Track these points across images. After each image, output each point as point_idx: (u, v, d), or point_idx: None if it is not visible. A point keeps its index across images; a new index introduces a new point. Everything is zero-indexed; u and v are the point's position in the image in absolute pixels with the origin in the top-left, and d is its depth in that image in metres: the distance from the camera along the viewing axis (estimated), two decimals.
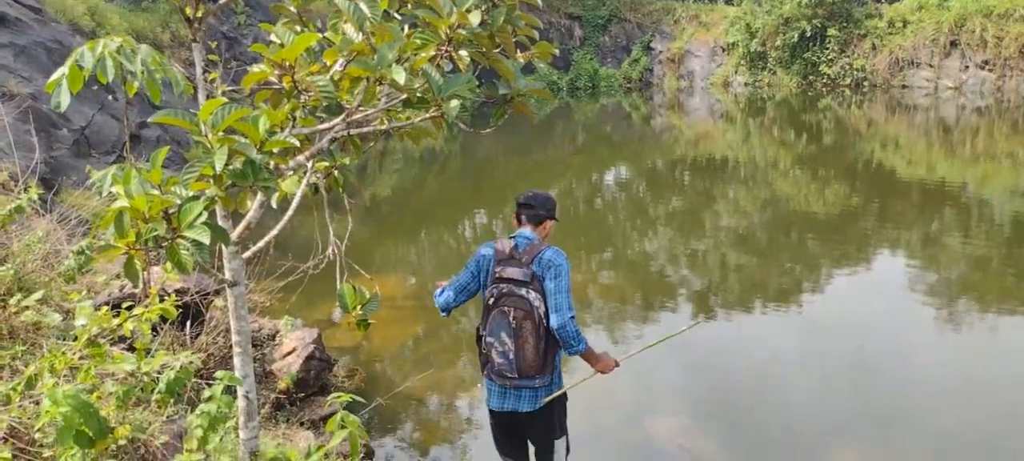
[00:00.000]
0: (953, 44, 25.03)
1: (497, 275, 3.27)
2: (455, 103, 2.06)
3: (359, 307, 2.70)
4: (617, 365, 3.40)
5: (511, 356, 3.20)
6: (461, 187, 16.76)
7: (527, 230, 3.39)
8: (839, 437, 5.22)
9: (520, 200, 3.46)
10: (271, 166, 2.25)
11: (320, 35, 1.99)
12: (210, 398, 2.36)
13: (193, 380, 3.50)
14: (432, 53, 2.10)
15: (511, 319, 3.18)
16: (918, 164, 16.32)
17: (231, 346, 2.66)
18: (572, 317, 3.17)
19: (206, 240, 1.88)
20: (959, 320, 7.51)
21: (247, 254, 2.47)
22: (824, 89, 27.79)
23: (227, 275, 2.41)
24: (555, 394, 3.34)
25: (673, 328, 3.78)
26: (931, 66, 25.61)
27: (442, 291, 3.53)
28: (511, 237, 3.39)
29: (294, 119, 2.20)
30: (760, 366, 6.50)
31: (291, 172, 2.63)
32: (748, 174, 16.34)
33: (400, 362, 6.60)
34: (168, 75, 2.85)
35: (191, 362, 2.65)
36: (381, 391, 5.67)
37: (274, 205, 2.99)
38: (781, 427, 5.47)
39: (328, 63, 2.01)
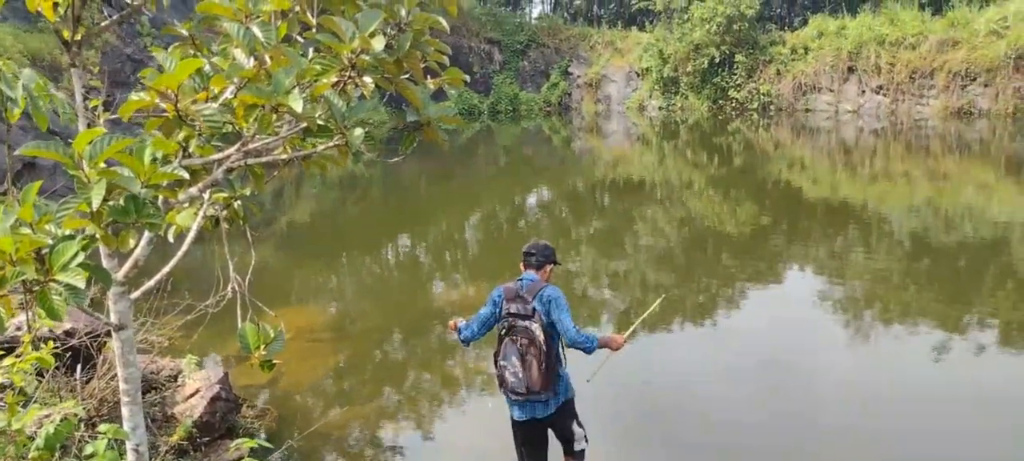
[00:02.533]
0: (851, 70, 26.49)
1: (505, 311, 4.01)
2: (359, 131, 1.95)
3: (262, 347, 2.54)
4: (624, 342, 4.18)
5: (520, 376, 3.91)
6: (382, 212, 16.49)
7: (530, 273, 4.16)
8: (752, 445, 5.40)
9: (525, 250, 4.23)
10: (159, 200, 2.09)
11: (205, 61, 1.85)
12: (92, 455, 2.15)
13: (83, 430, 3.23)
14: (334, 79, 1.99)
15: (519, 346, 3.91)
16: (822, 184, 17.08)
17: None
18: (577, 331, 3.91)
19: (81, 284, 1.71)
20: (864, 331, 7.87)
21: (135, 295, 2.28)
22: (733, 113, 28.87)
23: (113, 318, 2.22)
24: (562, 401, 4.11)
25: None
26: (831, 90, 27.01)
27: (466, 327, 4.20)
28: (518, 280, 4.13)
29: (186, 149, 2.05)
30: (677, 379, 6.59)
31: (185, 205, 2.46)
32: (664, 195, 16.73)
33: (316, 398, 6.33)
34: (55, 102, 2.64)
35: (75, 413, 2.42)
36: (295, 431, 5.42)
37: (171, 239, 2.79)
38: (698, 437, 5.57)
39: (216, 90, 1.87)
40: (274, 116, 1.90)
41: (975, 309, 8.36)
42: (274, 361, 2.62)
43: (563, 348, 4.07)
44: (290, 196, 17.43)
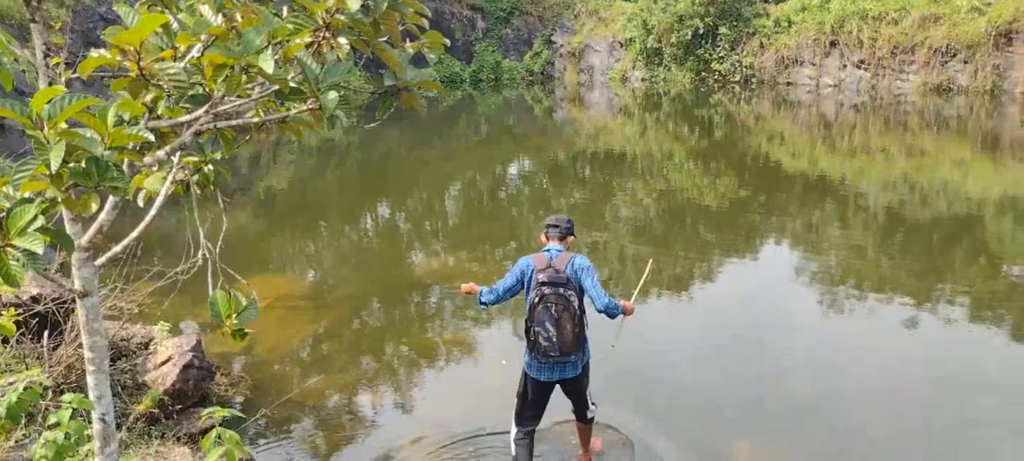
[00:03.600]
0: (833, 44, 26.50)
1: (539, 280, 4.18)
2: (333, 95, 1.88)
3: (234, 316, 2.48)
4: (633, 308, 4.45)
5: (554, 340, 4.11)
6: (361, 179, 16.33)
7: (555, 244, 4.39)
8: (727, 409, 5.62)
9: (548, 222, 4.47)
10: (124, 164, 2.01)
11: (170, 17, 1.76)
12: (57, 424, 2.09)
13: (50, 398, 3.16)
14: (307, 40, 1.91)
15: (553, 312, 4.10)
16: (801, 158, 17.16)
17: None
18: (608, 298, 4.21)
19: (39, 249, 1.63)
20: (838, 303, 8.00)
21: (101, 261, 2.20)
22: (715, 85, 28.84)
23: (77, 285, 2.14)
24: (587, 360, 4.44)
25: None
26: (813, 64, 27.04)
27: (489, 292, 4.42)
28: (545, 251, 4.35)
29: (152, 110, 1.96)
30: (654, 348, 6.64)
31: (154, 168, 2.38)
32: (645, 167, 16.71)
33: (293, 366, 6.27)
34: (21, 62, 2.52)
35: (40, 381, 2.35)
36: (270, 399, 5.37)
37: (141, 203, 2.71)
38: (678, 402, 5.70)
39: (181, 49, 1.79)
40: (244, 78, 1.82)
41: (946, 282, 8.52)
42: (247, 330, 2.57)
43: (585, 314, 4.30)
44: (268, 161, 17.20)
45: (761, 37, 28.12)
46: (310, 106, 1.99)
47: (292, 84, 1.93)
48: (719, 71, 28.84)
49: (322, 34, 1.93)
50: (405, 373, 6.36)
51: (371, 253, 10.68)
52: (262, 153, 17.55)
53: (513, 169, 17.69)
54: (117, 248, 2.21)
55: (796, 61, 27.45)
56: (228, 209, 2.85)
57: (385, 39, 2.17)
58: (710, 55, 29.07)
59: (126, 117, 2.10)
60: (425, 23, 2.36)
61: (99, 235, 2.12)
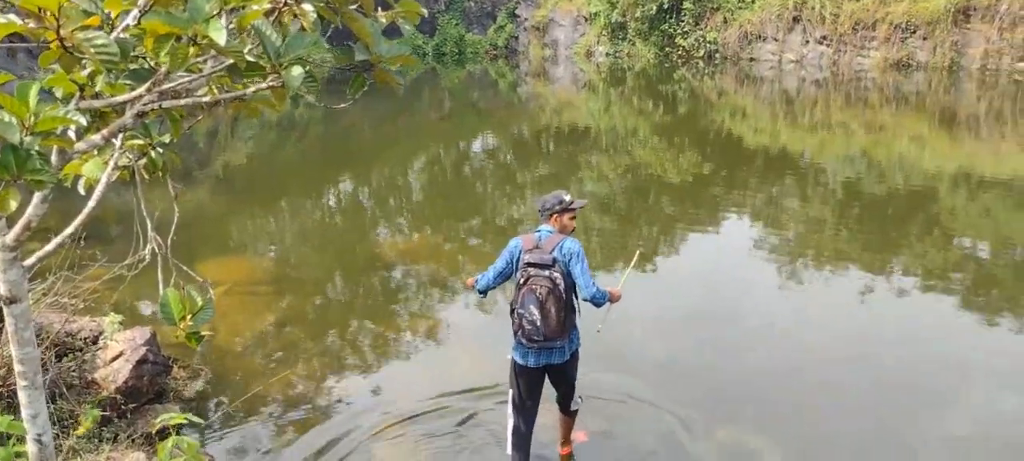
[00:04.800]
0: (796, 20, 26.59)
1: (525, 261, 4.08)
2: (298, 70, 1.63)
3: (188, 316, 2.23)
4: (620, 295, 4.32)
5: (538, 323, 3.95)
6: (322, 156, 15.90)
7: (546, 226, 4.23)
8: (687, 375, 5.79)
9: (539, 205, 4.32)
10: (52, 152, 1.74)
11: None
12: None
13: None
14: (267, 6, 1.65)
15: (538, 294, 3.96)
16: (763, 133, 17.21)
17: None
18: (595, 287, 4.06)
19: None
20: (796, 274, 8.15)
21: (30, 261, 1.93)
22: (679, 60, 28.79)
23: (2, 289, 1.87)
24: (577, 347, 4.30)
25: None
26: (776, 40, 27.12)
27: (482, 277, 4.33)
28: (536, 231, 4.22)
29: (82, 89, 1.69)
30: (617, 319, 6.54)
31: (94, 153, 2.11)
32: (610, 142, 16.59)
33: (255, 355, 5.98)
34: None
35: None
36: (231, 391, 5.09)
37: (82, 191, 2.43)
38: (639, 371, 5.72)
39: (112, 15, 1.52)
40: (192, 50, 1.55)
41: (901, 254, 8.63)
42: (203, 332, 2.32)
43: (577, 298, 4.19)
44: (225, 136, 16.64)
45: (725, 12, 28.10)
46: (270, 83, 1.74)
47: (249, 58, 1.68)
48: (683, 46, 28.79)
49: (284, 0, 1.67)
50: (373, 359, 6.13)
51: (334, 232, 10.37)
52: (219, 127, 16.98)
53: (478, 145, 17.42)
54: (49, 247, 1.94)
55: (759, 37, 27.52)
56: (179, 197, 2.57)
57: (355, 7, 1.92)
58: (674, 30, 28.98)
59: (60, 96, 1.83)
60: None
61: (27, 233, 1.85)
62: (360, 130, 18.30)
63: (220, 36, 1.44)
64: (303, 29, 1.72)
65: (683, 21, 28.76)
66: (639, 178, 13.00)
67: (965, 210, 10.76)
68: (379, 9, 2.12)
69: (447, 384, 5.48)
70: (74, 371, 4.13)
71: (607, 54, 30.91)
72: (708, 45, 28.33)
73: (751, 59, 27.65)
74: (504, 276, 4.28)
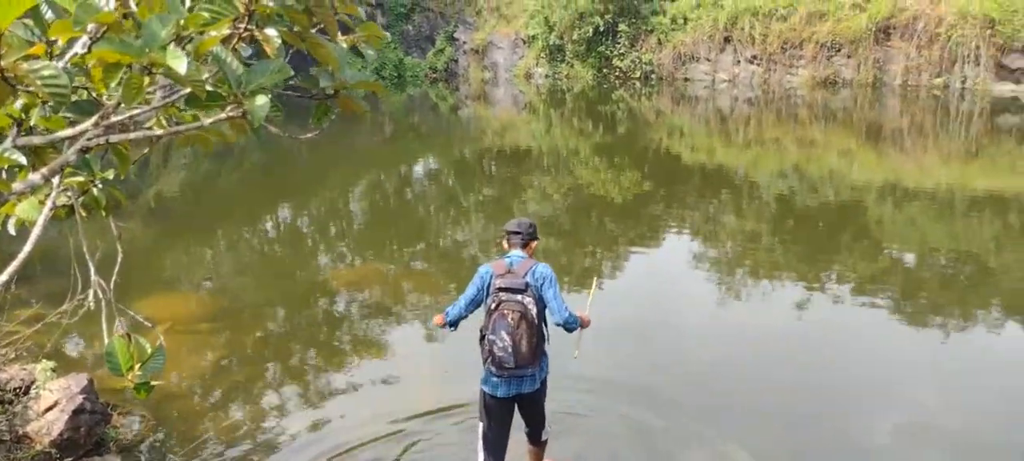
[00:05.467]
0: (727, 40, 27.37)
1: (497, 287, 3.97)
2: (262, 100, 1.52)
3: (136, 367, 2.07)
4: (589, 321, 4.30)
5: (510, 350, 3.86)
6: (261, 183, 15.51)
7: (517, 252, 4.15)
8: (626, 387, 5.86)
9: (509, 229, 4.23)
10: None
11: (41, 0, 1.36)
12: None
13: None
14: (226, 32, 1.54)
15: (509, 319, 3.87)
16: (700, 151, 17.59)
17: None
18: (569, 311, 4.03)
19: None
20: (735, 286, 8.43)
21: None
22: (617, 81, 29.25)
23: None
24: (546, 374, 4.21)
25: None
26: (709, 60, 27.84)
27: (452, 308, 4.16)
28: (506, 257, 4.14)
29: (19, 124, 1.55)
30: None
31: (27, 193, 1.94)
32: (551, 163, 16.68)
33: (199, 397, 5.69)
34: None
35: None
36: (175, 437, 4.82)
37: (12, 231, 2.25)
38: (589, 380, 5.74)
39: (60, 42, 1.39)
40: (146, 80, 1.43)
41: (833, 262, 8.97)
42: (152, 382, 2.16)
43: (546, 326, 4.09)
44: (157, 166, 16.04)
45: (659, 34, 28.73)
46: (230, 114, 1.62)
47: (208, 88, 1.56)
48: (620, 67, 29.29)
49: (244, 24, 1.56)
50: (323, 392, 5.92)
51: (274, 262, 10.06)
52: (150, 157, 16.36)
53: (420, 168, 17.28)
54: None
55: (693, 57, 28.21)
56: (122, 236, 2.41)
57: (317, 29, 1.83)
58: (611, 52, 29.47)
59: None
60: (361, 14, 2.03)
61: None
62: (298, 156, 17.91)
63: (180, 64, 1.33)
64: (265, 55, 1.62)
65: (619, 43, 29.28)
66: (582, 198, 13.09)
67: (892, 220, 11.20)
68: (340, 34, 2.02)
69: (395, 410, 5.42)
70: (3, 424, 3.83)
71: (546, 76, 31.20)
72: (644, 66, 28.90)
73: (686, 79, 28.32)
74: (475, 303, 4.14)
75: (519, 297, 3.91)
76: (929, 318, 7.31)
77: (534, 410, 4.24)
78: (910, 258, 9.36)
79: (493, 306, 3.95)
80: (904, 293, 7.95)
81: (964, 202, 11.96)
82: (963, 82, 23.34)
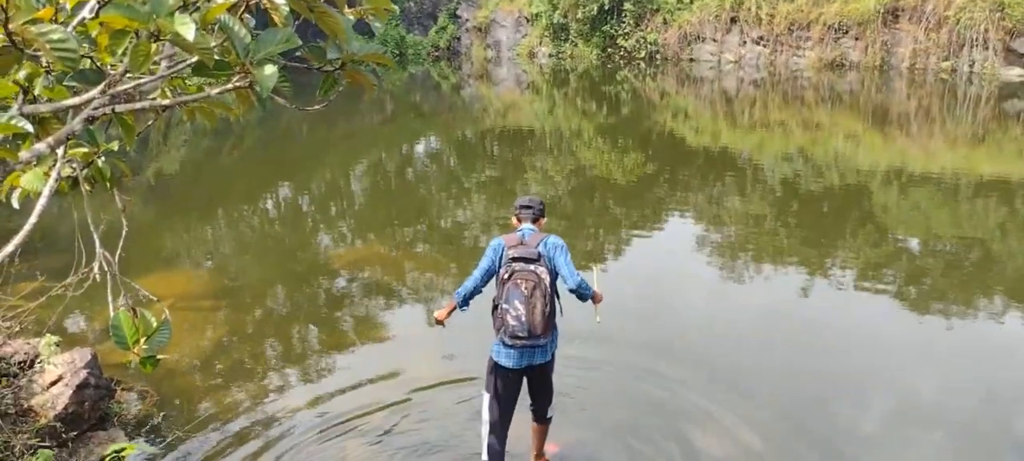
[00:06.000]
0: (733, 21, 27.20)
1: (510, 256, 4.02)
2: (271, 69, 1.49)
3: (142, 341, 2.06)
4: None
5: (523, 319, 3.89)
6: (261, 161, 15.46)
7: (528, 225, 4.23)
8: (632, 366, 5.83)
9: (521, 204, 4.31)
10: None
11: None
12: None
13: None
14: (232, 0, 1.51)
15: (523, 289, 3.91)
16: (704, 133, 17.50)
17: None
18: (581, 276, 4.08)
19: None
20: (738, 270, 8.42)
21: None
22: (621, 61, 29.11)
23: None
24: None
25: None
26: (715, 41, 27.68)
27: (461, 288, 4.14)
28: (517, 231, 4.21)
29: (26, 91, 1.52)
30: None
31: (33, 163, 1.91)
32: (554, 144, 16.61)
33: (201, 373, 5.70)
34: None
35: None
36: (178, 413, 4.83)
37: (16, 204, 2.23)
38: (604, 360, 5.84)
39: (69, 6, 1.36)
40: (153, 47, 1.40)
41: (836, 248, 8.92)
42: (158, 356, 2.15)
43: (558, 297, 4.13)
44: (157, 143, 16.00)
45: (664, 13, 28.54)
46: (237, 84, 1.59)
47: (215, 56, 1.53)
48: (624, 47, 29.12)
49: None
50: (324, 371, 5.92)
51: (277, 240, 10.05)
52: (150, 133, 16.31)
53: (421, 148, 17.22)
54: None
55: (698, 37, 28.04)
56: (127, 209, 2.38)
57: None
58: (615, 31, 29.29)
59: None
60: None
61: None
62: (298, 134, 17.88)
63: (188, 31, 1.30)
64: (274, 24, 1.58)
65: (624, 22, 29.09)
66: (585, 179, 13.04)
67: (898, 205, 11.15)
68: (346, 7, 1.99)
69: (394, 385, 5.50)
70: (8, 398, 3.83)
71: (550, 55, 31.03)
72: (649, 46, 28.72)
73: (691, 60, 28.16)
74: (489, 275, 4.14)
75: (532, 267, 3.96)
76: (932, 304, 7.29)
77: (544, 382, 4.27)
78: (914, 243, 9.32)
79: (506, 276, 3.98)
80: (908, 278, 7.93)
81: (970, 187, 11.90)
82: (971, 66, 23.18)
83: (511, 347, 3.99)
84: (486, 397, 4.18)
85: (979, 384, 5.70)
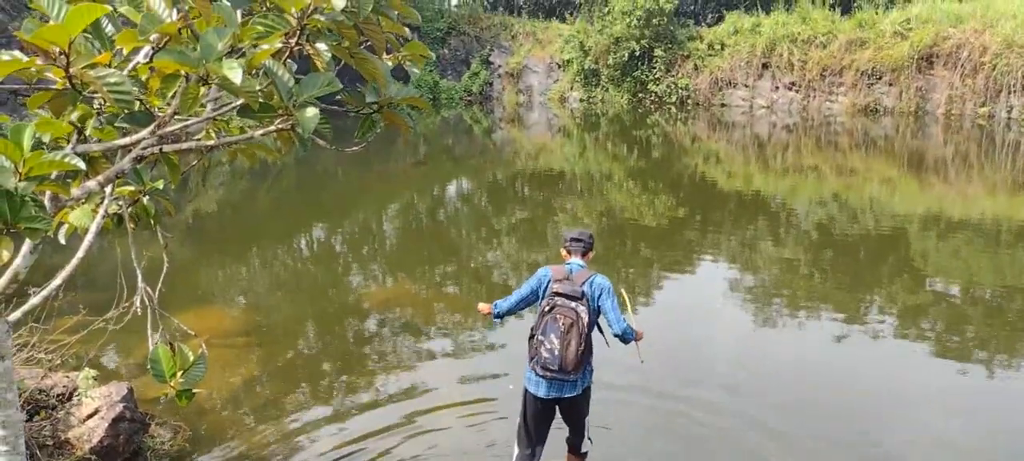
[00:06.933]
0: (765, 66, 27.26)
1: (554, 291, 4.10)
2: (312, 111, 1.55)
3: (179, 374, 2.10)
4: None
5: (556, 353, 3.98)
6: (296, 202, 15.71)
7: (577, 260, 4.29)
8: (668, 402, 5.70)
9: (571, 237, 4.35)
10: (45, 197, 1.63)
11: (108, 7, 1.41)
12: None
13: None
14: (278, 45, 1.58)
15: (561, 324, 3.99)
16: (737, 177, 17.41)
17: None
18: (625, 323, 4.15)
19: None
20: (771, 315, 8.27)
21: (15, 315, 1.80)
22: (652, 106, 29.25)
23: None
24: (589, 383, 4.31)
25: None
26: (747, 86, 27.72)
27: (500, 302, 4.36)
28: (566, 264, 4.27)
29: (81, 131, 1.59)
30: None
31: (81, 201, 1.99)
32: (585, 187, 16.65)
33: (234, 410, 5.75)
34: None
35: None
36: (210, 448, 4.87)
37: (62, 240, 2.31)
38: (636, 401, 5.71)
39: (124, 51, 1.43)
40: (201, 90, 1.47)
41: (873, 295, 8.75)
42: (194, 390, 2.19)
43: (592, 337, 4.19)
44: (196, 184, 16.38)
45: (695, 59, 28.69)
46: (280, 126, 1.65)
47: (260, 99, 1.59)
48: (655, 92, 29.28)
49: (296, 39, 1.60)
50: (356, 410, 5.94)
51: (312, 281, 10.17)
52: (190, 174, 16.71)
53: (453, 190, 17.37)
54: (36, 300, 1.82)
55: (730, 83, 28.10)
56: (168, 246, 2.46)
57: (365, 44, 1.86)
58: (646, 76, 29.49)
59: (46, 140, 1.72)
60: (407, 33, 2.06)
61: (14, 284, 1.72)
62: (334, 177, 18.16)
63: (235, 75, 1.36)
64: (316, 69, 1.65)
65: (655, 68, 29.29)
66: (615, 222, 13.03)
67: (937, 251, 10.93)
68: (385, 52, 2.05)
69: (424, 427, 5.51)
70: (46, 430, 3.91)
71: (581, 100, 31.30)
72: (680, 91, 28.84)
73: (723, 105, 28.18)
74: (527, 303, 4.29)
75: (573, 304, 4.02)
76: (972, 353, 7.09)
77: (573, 416, 4.34)
78: (953, 290, 9.11)
79: (547, 309, 4.07)
80: (946, 327, 7.75)
81: (1011, 234, 11.63)
82: (1009, 111, 22.83)
83: (541, 377, 4.10)
84: (518, 421, 4.34)
85: (1020, 436, 5.51)
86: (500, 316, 4.36)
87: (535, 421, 4.26)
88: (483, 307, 4.44)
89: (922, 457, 5.22)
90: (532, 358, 4.12)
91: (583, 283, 4.10)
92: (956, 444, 5.38)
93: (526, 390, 4.24)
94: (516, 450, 4.36)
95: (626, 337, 4.16)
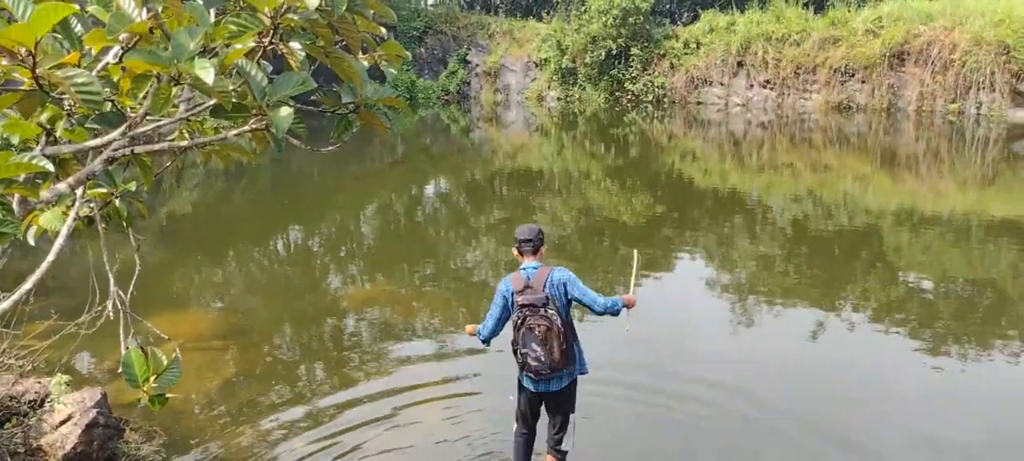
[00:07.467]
0: (740, 64, 27.50)
1: (519, 303, 4.10)
2: (286, 111, 1.53)
3: (152, 378, 2.07)
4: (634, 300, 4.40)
5: (544, 359, 4.08)
6: (272, 203, 15.58)
7: (530, 261, 4.25)
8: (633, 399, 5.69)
9: (521, 238, 4.29)
10: (13, 200, 1.60)
11: (76, 6, 1.38)
12: None
13: None
14: (251, 44, 1.56)
15: (537, 333, 4.05)
16: (713, 174, 17.55)
17: None
18: (605, 298, 4.19)
19: None
20: (747, 310, 8.33)
21: None
22: (629, 105, 29.38)
23: None
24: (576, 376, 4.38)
25: None
26: (722, 84, 27.95)
27: (483, 327, 4.36)
28: (521, 270, 4.22)
29: (50, 132, 1.56)
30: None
31: (51, 203, 1.96)
32: (563, 185, 16.69)
33: (210, 413, 5.69)
34: None
35: None
36: (186, 453, 4.81)
37: (32, 241, 2.26)
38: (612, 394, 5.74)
39: (94, 52, 1.41)
40: (173, 90, 1.45)
41: (847, 289, 8.86)
42: (167, 394, 2.17)
43: (573, 329, 4.27)
44: (170, 186, 16.17)
45: (671, 58, 28.87)
46: (254, 126, 1.63)
47: (232, 99, 1.57)
48: (632, 91, 29.42)
49: (269, 38, 1.58)
50: (334, 412, 5.90)
51: (288, 282, 10.09)
52: (164, 176, 16.49)
53: (431, 189, 17.33)
54: (5, 305, 1.78)
55: (705, 81, 28.32)
56: (140, 248, 2.42)
57: (340, 44, 1.84)
58: (623, 75, 29.62)
59: (15, 142, 1.69)
60: (383, 32, 2.05)
61: None
62: (309, 177, 18.03)
63: (207, 75, 1.34)
64: (290, 68, 1.63)
65: (631, 67, 29.44)
66: (594, 220, 13.08)
67: (909, 246, 11.11)
68: (361, 51, 2.04)
69: (406, 428, 5.46)
70: (18, 437, 3.84)
71: (558, 98, 31.36)
72: (656, 89, 29.01)
73: (698, 102, 28.39)
74: (502, 321, 4.32)
75: (541, 310, 4.07)
76: (945, 346, 7.21)
77: (559, 409, 4.41)
78: (926, 285, 9.26)
79: (519, 322, 4.13)
80: (920, 321, 7.87)
81: (981, 229, 11.85)
82: (978, 108, 23.26)
83: (534, 378, 4.26)
84: (516, 405, 4.54)
85: (992, 426, 5.61)
86: (487, 341, 4.41)
87: (528, 406, 4.45)
88: (469, 329, 4.52)
89: (906, 444, 5.28)
90: (521, 367, 4.24)
91: (544, 286, 4.11)
92: (939, 433, 5.45)
93: (520, 383, 4.41)
94: (515, 426, 4.57)
95: (612, 311, 4.23)
